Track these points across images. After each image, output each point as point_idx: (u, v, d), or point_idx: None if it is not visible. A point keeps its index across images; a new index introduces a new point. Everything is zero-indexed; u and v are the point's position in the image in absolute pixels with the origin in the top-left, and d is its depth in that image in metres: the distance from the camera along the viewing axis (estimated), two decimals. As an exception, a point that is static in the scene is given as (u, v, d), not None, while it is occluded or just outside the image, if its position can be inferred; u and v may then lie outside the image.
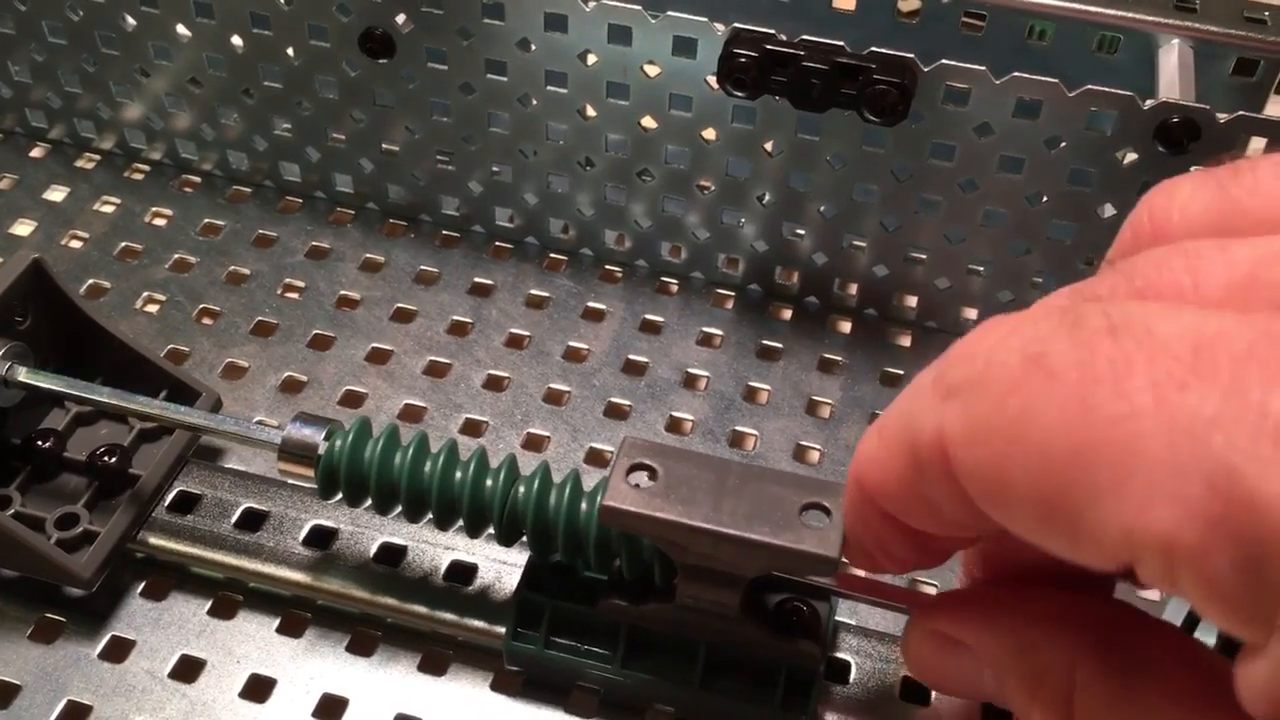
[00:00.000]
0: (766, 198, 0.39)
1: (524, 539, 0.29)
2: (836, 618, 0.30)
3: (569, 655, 0.29)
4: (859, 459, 0.22)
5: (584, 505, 0.27)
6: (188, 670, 0.30)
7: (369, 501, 0.30)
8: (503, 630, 0.30)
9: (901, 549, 0.23)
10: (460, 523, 0.29)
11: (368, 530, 0.32)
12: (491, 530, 0.29)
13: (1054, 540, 0.17)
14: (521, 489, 0.28)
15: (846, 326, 0.40)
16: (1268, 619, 0.15)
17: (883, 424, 0.20)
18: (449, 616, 0.31)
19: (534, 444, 0.36)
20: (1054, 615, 0.21)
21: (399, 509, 0.29)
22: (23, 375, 0.31)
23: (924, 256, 0.39)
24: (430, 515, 0.29)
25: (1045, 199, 0.36)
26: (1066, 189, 0.36)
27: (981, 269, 0.39)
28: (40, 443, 0.33)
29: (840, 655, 0.30)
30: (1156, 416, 0.15)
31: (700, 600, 0.27)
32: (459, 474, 0.28)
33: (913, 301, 0.40)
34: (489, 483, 0.28)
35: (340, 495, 0.29)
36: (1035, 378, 0.16)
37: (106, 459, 0.33)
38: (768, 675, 0.28)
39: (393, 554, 0.32)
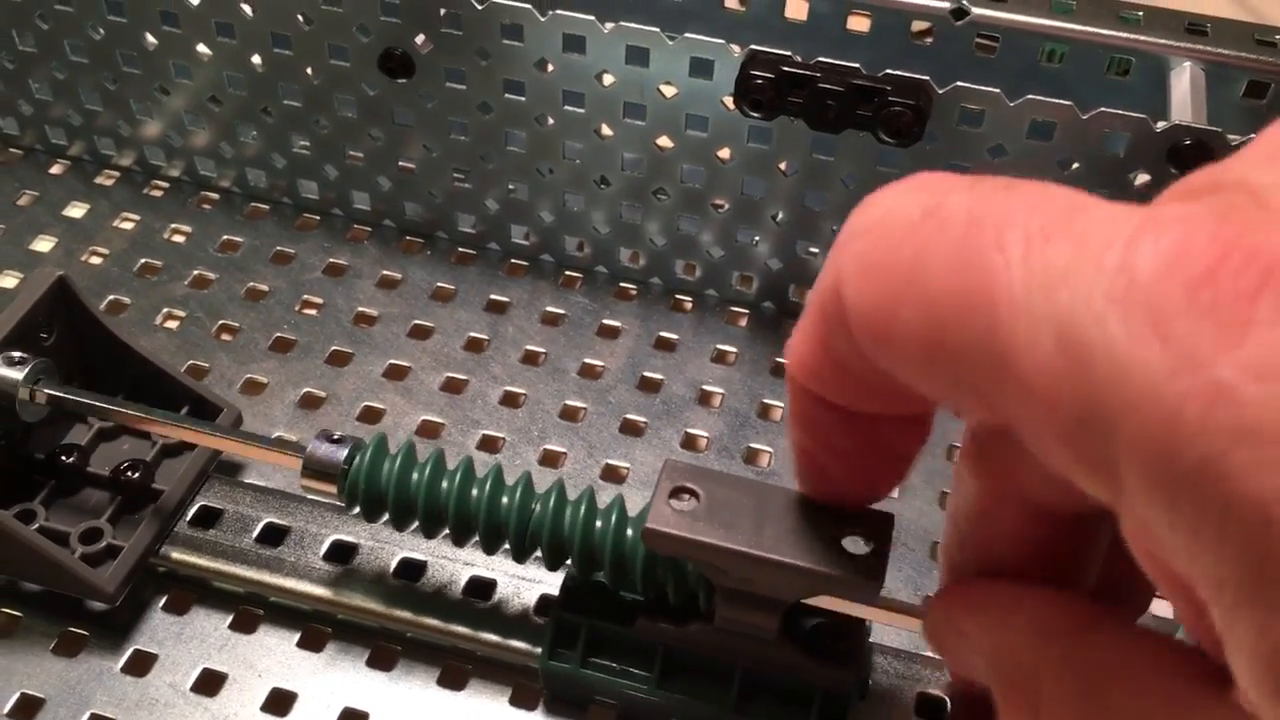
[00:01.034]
0: (780, 216, 0.40)
1: (539, 556, 0.29)
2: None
3: (605, 675, 0.29)
4: (787, 346, 0.21)
5: (630, 531, 0.28)
6: (209, 684, 0.31)
7: (412, 522, 0.30)
8: (522, 645, 0.31)
9: (843, 440, 0.22)
10: (505, 545, 0.29)
11: (388, 545, 0.33)
12: (509, 545, 0.29)
13: (938, 387, 0.17)
14: (569, 512, 0.28)
15: (860, 344, 0.41)
16: (1113, 476, 0.15)
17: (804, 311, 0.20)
18: (468, 631, 0.31)
19: (550, 460, 0.37)
20: (1030, 621, 0.21)
21: (424, 525, 0.30)
22: (47, 391, 0.31)
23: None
24: (454, 533, 0.29)
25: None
26: (1079, 209, 0.36)
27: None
28: (64, 458, 0.33)
29: (857, 672, 0.30)
30: (1024, 267, 0.16)
31: (738, 623, 0.27)
32: (505, 499, 0.29)
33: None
34: (537, 507, 0.29)
35: (385, 516, 0.30)
36: (929, 225, 0.17)
37: (129, 474, 0.33)
38: (803, 699, 0.28)
39: (413, 569, 0.32)
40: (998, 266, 0.16)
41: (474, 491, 0.29)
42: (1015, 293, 0.16)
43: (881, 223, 0.18)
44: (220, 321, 0.40)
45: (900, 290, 0.17)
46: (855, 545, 0.24)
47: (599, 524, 0.28)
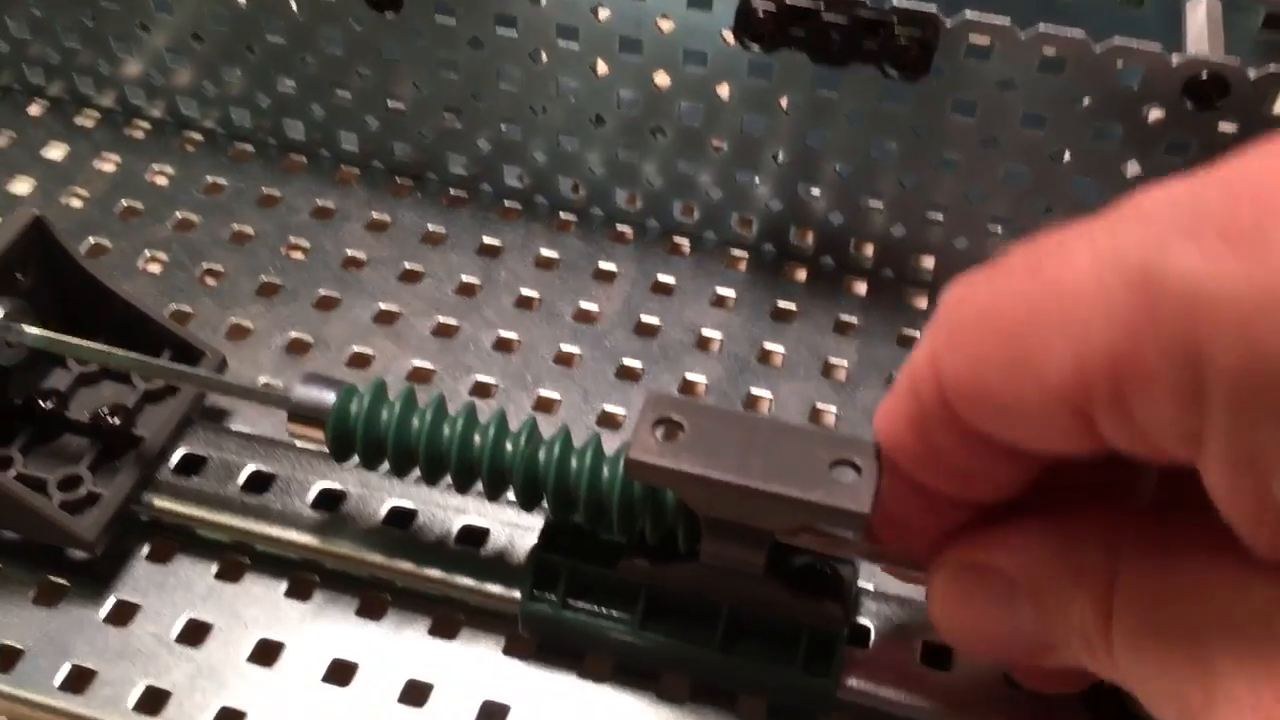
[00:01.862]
0: (781, 156, 0.38)
1: (543, 503, 0.28)
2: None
3: (586, 617, 0.28)
4: (876, 417, 0.23)
5: (606, 470, 0.27)
6: (194, 634, 0.30)
7: (382, 465, 0.29)
8: (516, 594, 0.30)
9: (921, 516, 0.23)
10: (477, 486, 0.28)
11: (377, 493, 0.32)
12: (507, 494, 0.28)
13: (1030, 420, 0.18)
14: (543, 452, 0.27)
15: (863, 288, 0.40)
16: (1201, 421, 0.16)
17: (896, 380, 0.22)
18: (461, 580, 0.30)
19: (545, 406, 0.36)
20: (1089, 516, 0.21)
21: (415, 472, 0.29)
22: (24, 332, 0.30)
23: (942, 216, 0.38)
24: (447, 478, 0.29)
25: (1068, 156, 0.36)
26: (1090, 146, 0.35)
27: (1000, 229, 0.38)
28: (42, 403, 0.32)
29: (860, 620, 0.29)
30: (1091, 256, 0.17)
31: (724, 559, 0.26)
32: (478, 437, 0.28)
33: (930, 263, 0.40)
34: (509, 446, 0.28)
35: (354, 458, 0.29)
36: (999, 273, 0.19)
37: (110, 420, 0.32)
38: (790, 638, 0.27)
39: (403, 517, 0.31)
40: (1064, 270, 0.17)
41: (445, 430, 0.28)
42: (1085, 280, 0.17)
43: (961, 299, 0.20)
44: (204, 265, 0.39)
45: (983, 333, 0.19)
46: (844, 475, 0.24)
47: (574, 462, 0.27)
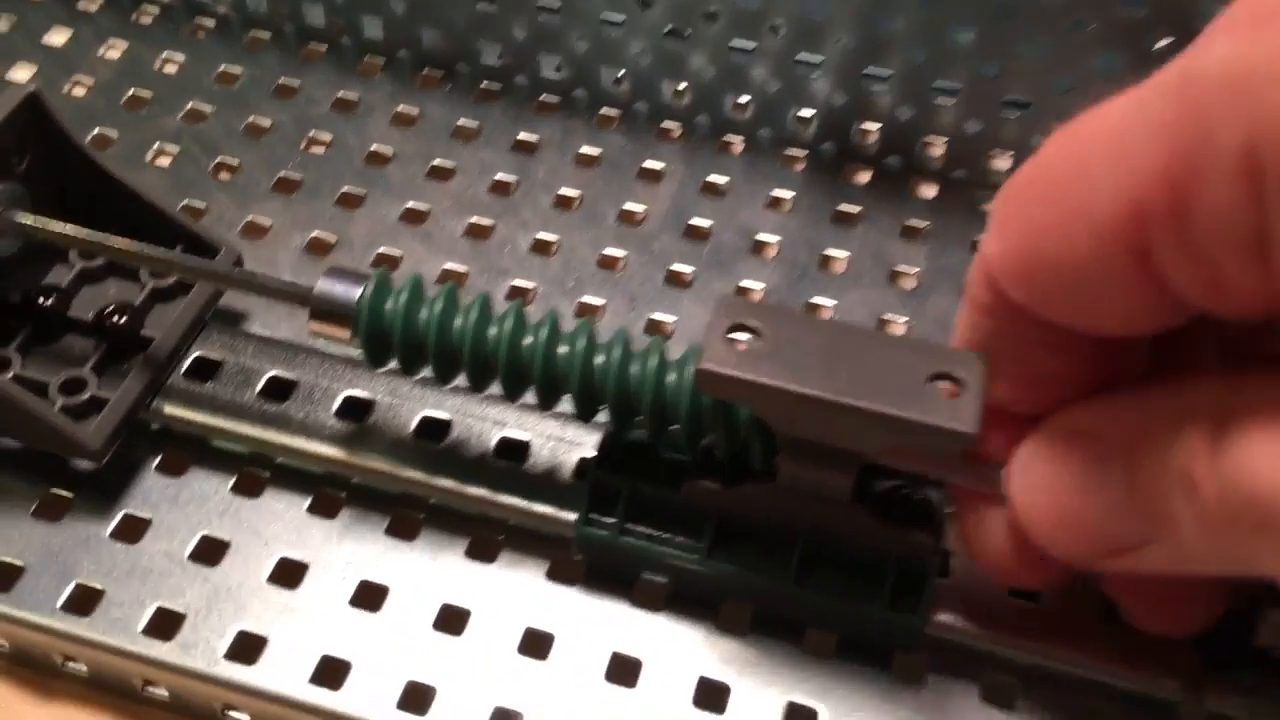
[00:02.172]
0: (844, 42, 0.35)
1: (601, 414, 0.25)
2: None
3: (648, 543, 0.26)
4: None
5: (673, 377, 0.24)
6: (210, 552, 0.27)
7: (417, 371, 0.26)
8: (561, 514, 0.27)
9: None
10: (527, 394, 0.26)
11: (407, 402, 0.29)
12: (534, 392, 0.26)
13: (1087, 278, 0.18)
14: (601, 356, 0.24)
15: (932, 191, 0.36)
16: (1265, 213, 0.15)
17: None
18: (500, 498, 0.28)
19: (587, 313, 0.33)
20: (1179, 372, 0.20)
21: (459, 376, 0.26)
22: (20, 220, 0.27)
23: (1024, 109, 0.35)
24: (469, 376, 0.26)
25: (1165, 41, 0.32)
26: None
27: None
28: (42, 300, 0.30)
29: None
30: (1126, 95, 0.17)
31: (804, 483, 0.23)
32: (530, 339, 0.25)
33: (1006, 163, 0.36)
34: (564, 349, 0.25)
35: (388, 361, 0.26)
36: (1037, 151, 0.19)
37: (116, 319, 0.29)
38: (874, 569, 0.25)
39: (436, 428, 0.29)
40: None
41: (492, 330, 0.25)
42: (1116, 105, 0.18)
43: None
44: (218, 159, 0.36)
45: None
46: (944, 389, 0.21)
47: (636, 367, 0.24)
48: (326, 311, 0.26)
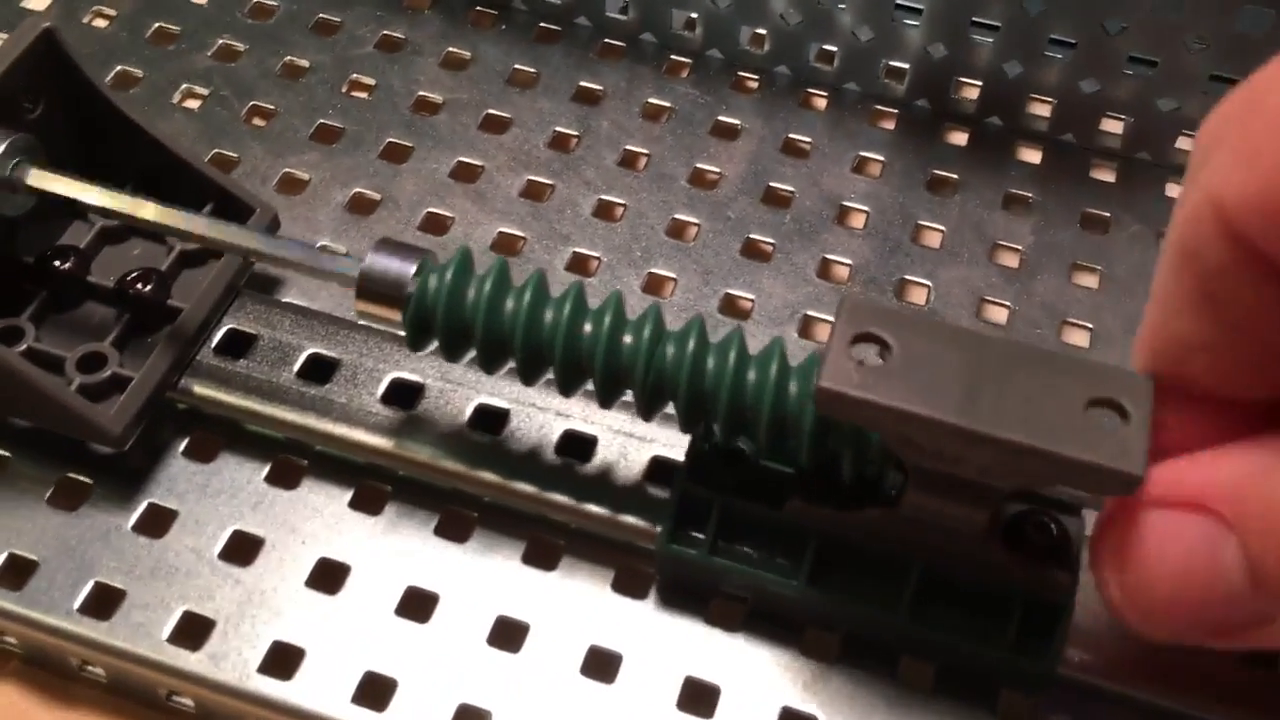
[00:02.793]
0: (949, -11, 0.31)
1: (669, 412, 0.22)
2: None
3: (742, 565, 0.23)
4: (1138, 341, 0.19)
5: (793, 387, 0.21)
6: (242, 550, 0.25)
7: (468, 354, 0.23)
8: (629, 519, 0.25)
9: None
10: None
11: (461, 388, 0.26)
12: (633, 398, 0.23)
13: None
14: (713, 359, 0.21)
15: (1036, 156, 0.33)
16: None
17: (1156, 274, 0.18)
18: (562, 499, 0.25)
19: (655, 287, 0.30)
20: None
21: (509, 366, 0.23)
22: (33, 176, 0.25)
23: (1150, 68, 0.31)
24: (560, 378, 0.23)
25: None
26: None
27: (1219, 86, 0.31)
28: (58, 263, 0.27)
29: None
30: None
31: (932, 515, 0.20)
32: (629, 337, 0.22)
33: (1120, 127, 0.33)
34: (672, 349, 0.22)
35: (434, 345, 0.23)
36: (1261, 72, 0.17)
37: (139, 286, 0.26)
38: (998, 605, 0.22)
39: (492, 418, 0.26)
40: None
41: (587, 326, 0.22)
42: None
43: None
44: (251, 102, 0.33)
45: None
46: (1107, 420, 0.18)
47: (753, 374, 0.21)
48: (376, 292, 0.23)
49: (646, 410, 0.23)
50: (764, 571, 0.23)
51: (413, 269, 0.23)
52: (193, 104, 0.33)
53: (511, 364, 0.23)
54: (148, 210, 0.25)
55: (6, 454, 0.26)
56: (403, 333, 0.23)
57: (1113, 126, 0.33)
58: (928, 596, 0.22)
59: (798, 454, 0.21)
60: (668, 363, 0.22)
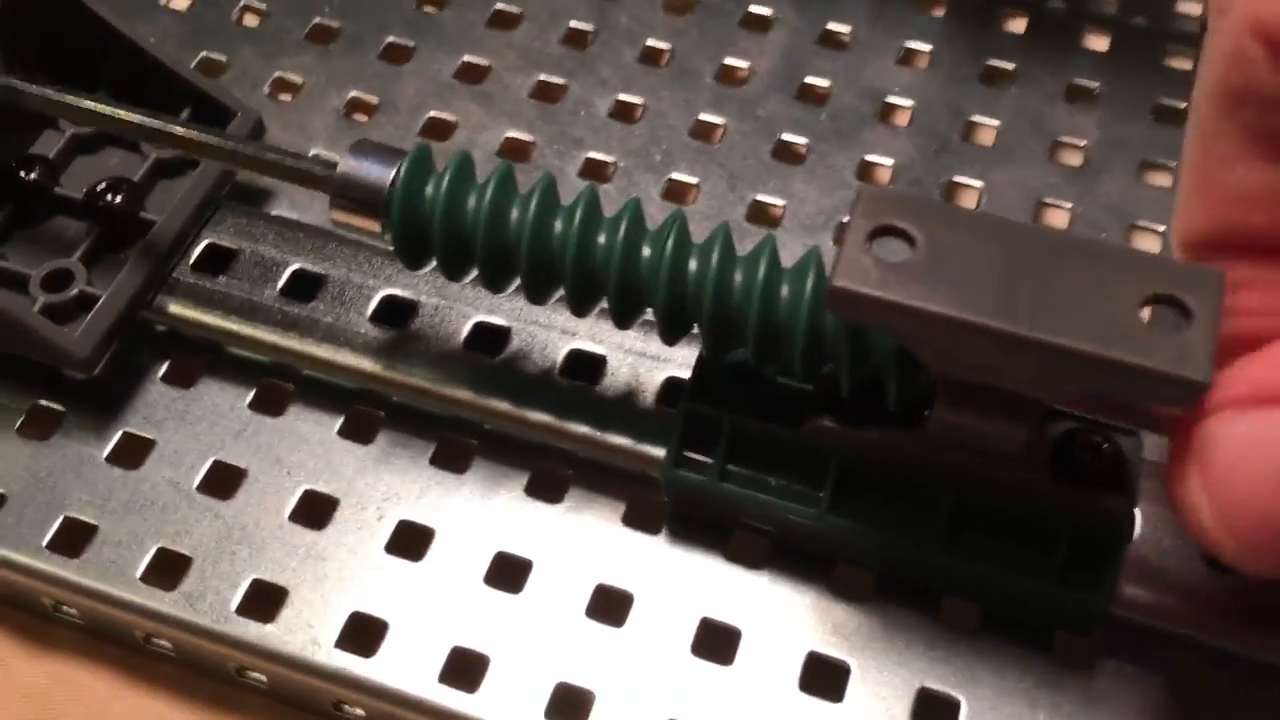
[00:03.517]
0: None
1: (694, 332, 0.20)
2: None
3: (754, 491, 0.20)
4: (1183, 203, 0.17)
5: (787, 288, 0.18)
6: (222, 482, 0.23)
7: (463, 274, 0.21)
8: (641, 447, 0.22)
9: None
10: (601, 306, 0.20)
11: (458, 305, 0.24)
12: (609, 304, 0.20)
13: None
14: (695, 262, 0.19)
15: (1104, 42, 0.30)
16: None
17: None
18: (568, 425, 0.23)
19: (677, 193, 0.27)
20: None
21: (515, 284, 0.21)
22: (-11, 78, 0.23)
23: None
24: (525, 283, 0.21)
25: None
26: None
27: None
28: (24, 173, 0.25)
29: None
30: None
31: (965, 435, 0.18)
32: (605, 237, 0.20)
33: (1195, 9, 0.29)
34: (648, 251, 0.20)
35: (426, 263, 0.21)
36: None
37: (109, 197, 0.24)
38: (1044, 535, 0.19)
39: (492, 338, 0.24)
40: None
41: (601, 237, 0.20)
42: None
43: None
44: (242, 2, 0.31)
45: None
46: (1167, 319, 0.15)
47: (741, 276, 0.19)
48: (352, 198, 0.21)
49: (669, 333, 0.20)
50: (781, 499, 0.20)
51: (391, 172, 0.21)
52: (180, 4, 0.31)
53: (517, 282, 0.21)
54: (113, 112, 0.22)
55: (-28, 380, 0.24)
56: (387, 244, 0.21)
57: (1189, 8, 0.30)
58: (963, 526, 0.20)
59: (840, 379, 0.19)
60: (690, 278, 0.19)
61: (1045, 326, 0.15)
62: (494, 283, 0.21)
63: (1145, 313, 0.16)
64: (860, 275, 0.16)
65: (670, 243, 0.19)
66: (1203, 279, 0.16)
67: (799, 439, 0.20)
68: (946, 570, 0.20)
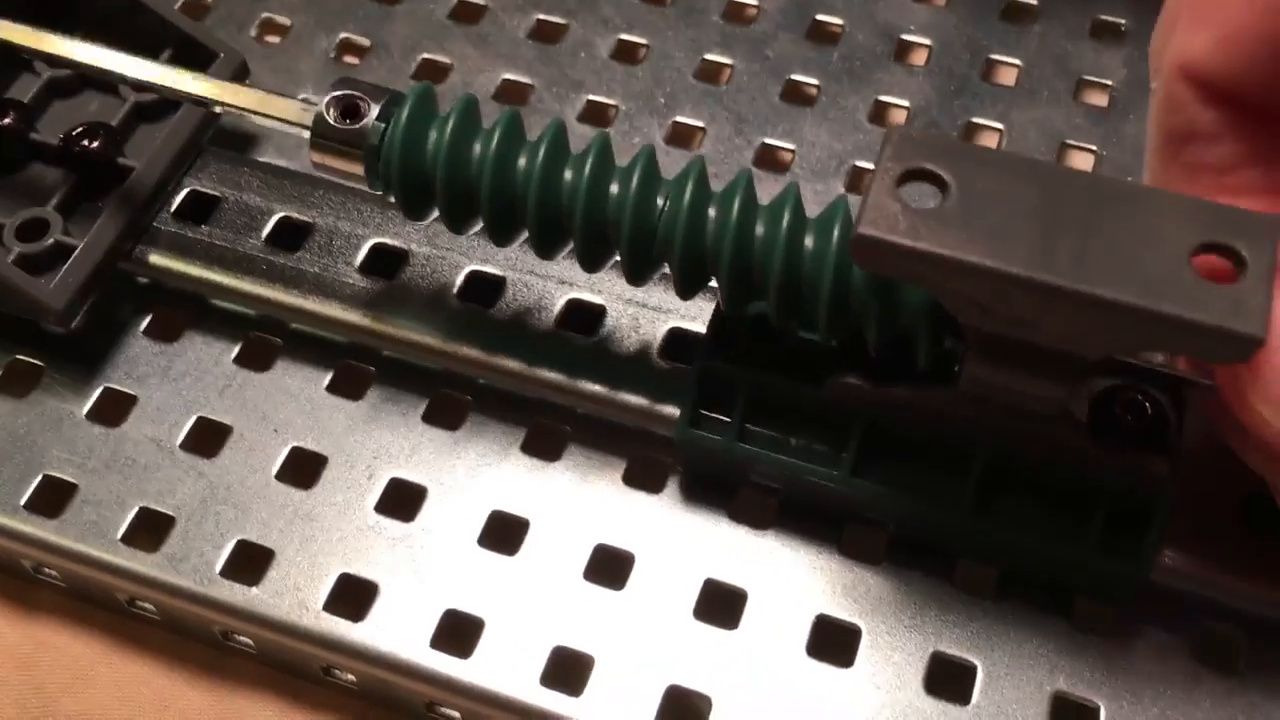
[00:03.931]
0: None
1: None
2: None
3: (773, 453, 0.19)
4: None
5: (811, 239, 0.17)
6: (207, 440, 0.22)
7: (466, 226, 0.20)
8: (643, 402, 0.21)
9: None
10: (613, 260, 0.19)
11: (450, 253, 0.23)
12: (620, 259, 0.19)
13: None
14: (714, 210, 0.18)
15: (1132, -24, 0.28)
16: None
17: None
18: (566, 379, 0.22)
19: (682, 137, 0.26)
20: None
21: (521, 235, 0.20)
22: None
23: None
24: (534, 238, 0.20)
25: None
26: None
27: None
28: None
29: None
30: None
31: (1000, 392, 0.17)
32: (615, 187, 0.19)
33: (1231, -60, 0.28)
34: (664, 201, 0.18)
35: (428, 213, 0.20)
36: None
37: (86, 142, 0.23)
38: (1080, 499, 0.18)
39: (486, 288, 0.23)
40: None
41: (568, 174, 0.19)
42: None
43: None
44: (229, -60, 0.29)
45: None
46: (1219, 270, 0.14)
47: (763, 227, 0.18)
48: (333, 139, 0.19)
49: (685, 287, 0.19)
50: (802, 461, 0.19)
51: (376, 111, 0.19)
52: (164, -56, 0.29)
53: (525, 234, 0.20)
54: (85, 53, 0.21)
55: (-52, 334, 0.23)
56: (373, 190, 0.20)
57: (1224, -62, 0.28)
58: (995, 488, 0.19)
59: (865, 335, 0.18)
60: (710, 229, 0.18)
61: (1088, 278, 0.14)
62: (499, 237, 0.20)
63: (1197, 261, 0.14)
64: (888, 223, 0.15)
65: (689, 192, 0.18)
66: (1258, 225, 0.14)
67: (822, 397, 0.19)
68: (976, 536, 0.19)
